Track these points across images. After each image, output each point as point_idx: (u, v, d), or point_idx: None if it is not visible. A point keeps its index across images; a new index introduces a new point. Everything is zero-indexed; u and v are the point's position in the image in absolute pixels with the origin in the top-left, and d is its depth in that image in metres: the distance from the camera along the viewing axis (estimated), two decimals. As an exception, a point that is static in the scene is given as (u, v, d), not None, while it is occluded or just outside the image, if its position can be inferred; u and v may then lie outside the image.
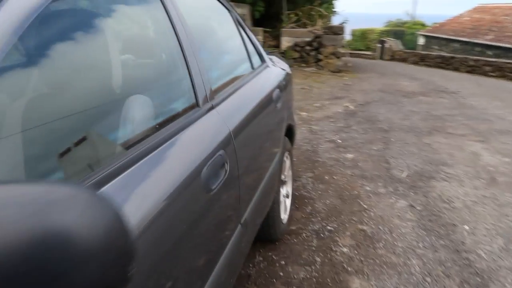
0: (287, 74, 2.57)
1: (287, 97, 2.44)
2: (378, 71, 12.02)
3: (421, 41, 25.24)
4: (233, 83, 1.58)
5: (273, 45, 11.05)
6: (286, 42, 10.81)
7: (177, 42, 1.19)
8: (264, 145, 1.80)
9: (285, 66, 2.77)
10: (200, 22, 1.69)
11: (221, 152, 1.17)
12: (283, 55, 10.84)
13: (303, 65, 10.72)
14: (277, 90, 2.10)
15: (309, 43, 10.68)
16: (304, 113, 5.77)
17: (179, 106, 1.19)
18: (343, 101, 6.84)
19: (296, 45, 10.77)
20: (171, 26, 1.18)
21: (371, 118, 5.64)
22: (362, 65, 13.84)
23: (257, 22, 11.49)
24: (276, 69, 2.37)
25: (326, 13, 11.54)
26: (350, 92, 7.80)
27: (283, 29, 10.88)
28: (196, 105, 1.20)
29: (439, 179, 3.43)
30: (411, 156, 4.01)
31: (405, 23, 32.58)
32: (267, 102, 1.87)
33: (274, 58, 2.76)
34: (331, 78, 9.43)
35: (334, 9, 14.20)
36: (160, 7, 1.17)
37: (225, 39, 1.90)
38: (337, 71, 10.34)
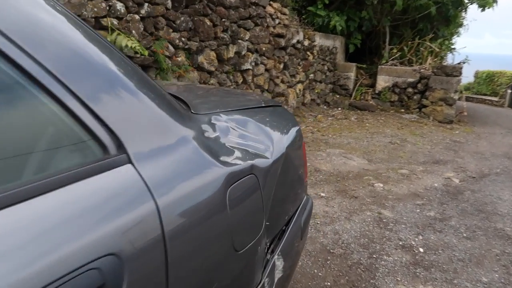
0: (253, 167, 1.06)
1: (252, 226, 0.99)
2: (505, 124, 9.36)
3: None
4: None
5: (366, 84, 9.34)
6: (383, 81, 9.02)
7: None
8: None
9: (274, 138, 1.30)
10: None
11: None
12: (378, 97, 9.07)
13: (401, 110, 8.78)
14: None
15: (412, 85, 8.74)
16: (380, 185, 4.05)
17: None
18: (446, 168, 4.88)
19: (395, 85, 8.91)
20: None
21: (485, 206, 3.66)
22: (484, 114, 11.15)
23: (350, 57, 9.94)
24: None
25: (438, 50, 9.42)
26: (458, 154, 5.73)
27: (381, 66, 9.13)
28: None
29: None
30: (559, 318, 2.09)
31: (547, 66, 27.54)
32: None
33: (251, 124, 1.30)
34: (435, 131, 7.34)
35: (452, 46, 11.86)
36: None
37: None
38: (446, 121, 8.16)
